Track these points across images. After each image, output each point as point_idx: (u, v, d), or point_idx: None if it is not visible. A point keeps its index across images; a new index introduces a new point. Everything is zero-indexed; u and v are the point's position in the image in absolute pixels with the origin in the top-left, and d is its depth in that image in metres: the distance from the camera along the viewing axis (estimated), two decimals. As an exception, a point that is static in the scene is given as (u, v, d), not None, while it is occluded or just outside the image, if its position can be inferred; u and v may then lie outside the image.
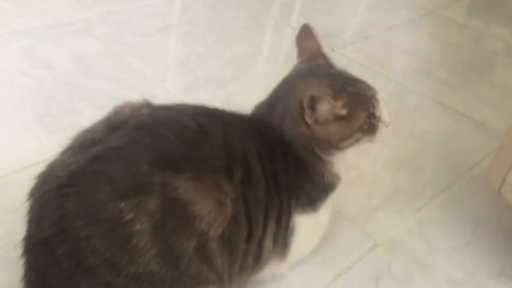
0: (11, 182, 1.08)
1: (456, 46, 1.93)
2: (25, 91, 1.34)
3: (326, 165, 0.89)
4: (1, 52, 1.49)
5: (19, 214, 0.98)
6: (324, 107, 0.81)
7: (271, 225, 0.84)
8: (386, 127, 0.89)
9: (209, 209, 0.72)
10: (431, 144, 1.38)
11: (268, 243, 0.84)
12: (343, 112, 0.83)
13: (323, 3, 2.10)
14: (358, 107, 0.84)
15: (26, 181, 1.07)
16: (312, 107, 0.81)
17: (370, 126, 0.86)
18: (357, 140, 0.86)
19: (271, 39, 1.82)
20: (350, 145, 0.87)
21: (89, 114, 0.87)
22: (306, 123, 0.83)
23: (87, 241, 0.68)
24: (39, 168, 1.10)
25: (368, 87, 0.87)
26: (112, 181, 0.69)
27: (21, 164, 1.12)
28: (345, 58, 1.69)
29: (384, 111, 0.89)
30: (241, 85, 1.50)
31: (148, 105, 0.82)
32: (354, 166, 1.25)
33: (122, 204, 0.68)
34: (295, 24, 1.89)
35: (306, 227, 0.90)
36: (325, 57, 0.92)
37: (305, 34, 0.94)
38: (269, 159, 0.83)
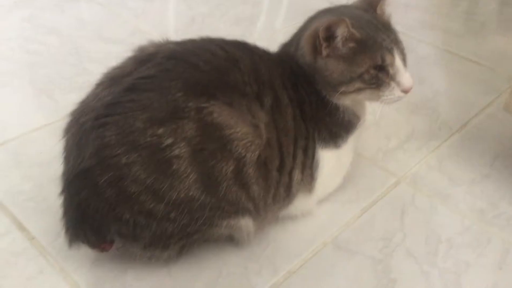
0: (33, 139, 1.08)
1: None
2: (35, 56, 1.33)
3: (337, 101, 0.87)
4: (6, 21, 1.48)
5: (45, 168, 1.00)
6: (342, 31, 0.79)
7: (299, 155, 0.84)
8: (404, 92, 0.84)
9: (245, 132, 0.73)
10: (442, 88, 1.39)
11: (297, 174, 0.85)
12: (352, 44, 0.80)
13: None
14: (364, 51, 0.81)
15: (47, 138, 1.08)
16: (330, 37, 0.80)
17: (374, 78, 0.82)
18: (358, 91, 0.83)
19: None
20: (350, 92, 0.83)
21: (101, 75, 0.88)
22: (313, 53, 0.83)
23: (128, 168, 0.68)
24: (58, 126, 1.11)
25: (390, 40, 0.82)
26: (148, 108, 0.70)
27: (41, 122, 1.12)
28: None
29: (404, 74, 0.83)
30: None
31: (171, 41, 0.82)
32: (370, 111, 1.25)
33: (160, 130, 0.69)
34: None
35: (330, 161, 0.90)
36: (375, 8, 0.87)
37: None
38: (293, 88, 0.83)
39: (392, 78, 0.83)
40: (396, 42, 0.84)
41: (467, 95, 1.36)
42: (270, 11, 1.72)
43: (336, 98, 0.85)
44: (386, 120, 1.25)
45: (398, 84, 0.83)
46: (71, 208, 0.74)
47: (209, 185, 0.72)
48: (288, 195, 0.86)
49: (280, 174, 0.81)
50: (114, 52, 1.36)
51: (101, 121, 0.70)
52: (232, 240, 0.88)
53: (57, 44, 1.39)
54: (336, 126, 0.90)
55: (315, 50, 0.83)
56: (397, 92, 0.84)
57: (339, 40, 0.81)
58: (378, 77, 0.82)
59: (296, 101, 0.83)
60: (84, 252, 0.84)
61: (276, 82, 0.80)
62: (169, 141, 0.69)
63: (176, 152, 0.69)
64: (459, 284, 0.87)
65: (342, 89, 0.83)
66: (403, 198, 1.03)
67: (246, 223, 0.80)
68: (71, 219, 0.75)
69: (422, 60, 1.50)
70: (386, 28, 0.84)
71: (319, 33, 0.80)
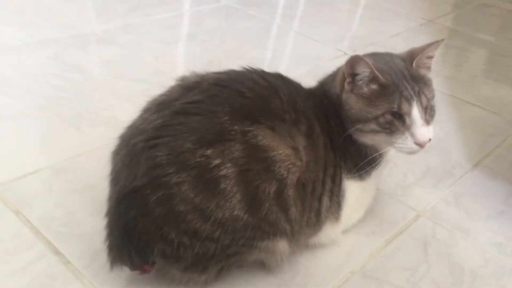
0: (63, 169, 1.10)
1: (456, 48, 2.03)
2: (61, 92, 1.37)
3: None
4: (32, 59, 1.53)
5: (76, 196, 1.02)
6: (363, 70, 0.83)
7: (328, 182, 0.88)
8: (418, 145, 0.85)
9: (287, 154, 0.76)
10: (452, 130, 1.45)
11: (326, 201, 0.88)
12: (374, 86, 0.85)
13: (325, 12, 2.20)
14: (384, 95, 0.85)
15: (78, 167, 1.11)
16: (353, 73, 0.85)
17: (388, 124, 0.85)
18: (373, 132, 0.86)
19: (280, 44, 1.89)
20: (366, 132, 0.86)
21: (126, 110, 0.91)
22: (341, 87, 0.88)
23: (178, 187, 0.71)
24: (87, 157, 1.15)
25: (413, 91, 0.84)
26: (197, 131, 0.73)
27: (70, 153, 1.15)
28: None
29: (420, 127, 0.84)
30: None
31: (213, 71, 0.87)
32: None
33: (209, 151, 0.72)
34: (297, 29, 1.99)
35: (354, 192, 0.94)
36: (412, 60, 0.89)
37: (429, 44, 0.91)
38: (324, 119, 0.87)
39: (407, 128, 0.85)
40: (419, 95, 0.85)
41: (475, 137, 1.42)
42: (280, 53, 1.80)
43: (355, 134, 0.89)
44: (402, 159, 1.30)
45: (412, 135, 0.85)
46: (117, 228, 0.75)
47: (253, 205, 0.74)
48: (318, 220, 0.88)
49: (313, 199, 0.84)
50: (137, 90, 1.42)
51: (152, 142, 0.73)
52: (264, 267, 0.90)
53: (82, 80, 1.43)
54: (360, 159, 0.92)
55: (343, 84, 0.88)
56: (410, 143, 0.85)
57: (361, 78, 0.86)
58: (394, 123, 0.84)
59: (326, 131, 0.87)
60: (120, 275, 0.85)
61: (309, 112, 0.85)
62: (217, 161, 0.72)
63: (224, 172, 0.72)
64: (486, 313, 0.89)
65: (358, 126, 0.87)
66: (424, 231, 1.06)
67: (282, 246, 0.82)
68: (116, 240, 0.76)
69: (431, 104, 1.57)
70: (414, 80, 0.86)
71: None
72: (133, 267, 0.79)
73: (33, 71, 1.45)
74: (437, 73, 1.78)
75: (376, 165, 0.94)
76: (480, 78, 1.80)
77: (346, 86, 0.87)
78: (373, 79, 0.85)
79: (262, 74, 0.85)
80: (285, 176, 0.76)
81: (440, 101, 1.59)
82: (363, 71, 0.84)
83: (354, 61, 0.85)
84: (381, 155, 0.94)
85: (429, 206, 1.14)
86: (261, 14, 2.08)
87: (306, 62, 1.72)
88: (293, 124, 0.80)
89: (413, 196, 1.16)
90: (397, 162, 1.28)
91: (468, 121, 1.50)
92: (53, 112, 1.28)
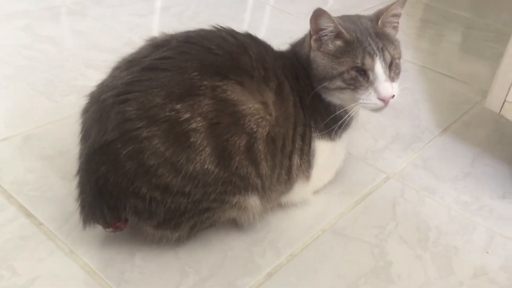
0: (35, 136, 1.10)
1: (428, 22, 2.06)
2: (34, 62, 1.36)
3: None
4: (3, 30, 1.51)
5: (48, 162, 1.03)
6: (327, 25, 0.85)
7: (298, 140, 0.89)
8: (381, 101, 0.86)
9: (257, 108, 0.78)
10: (422, 98, 1.48)
11: (296, 159, 0.90)
12: (339, 43, 0.86)
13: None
14: (348, 52, 0.86)
15: (48, 135, 1.11)
16: (318, 28, 0.86)
17: (353, 80, 0.86)
18: (339, 90, 0.87)
19: (256, 16, 1.90)
20: (331, 89, 0.88)
21: (98, 79, 0.91)
22: (309, 46, 0.89)
23: (149, 141, 0.72)
24: (59, 125, 1.15)
25: (376, 47, 0.85)
26: (167, 86, 0.74)
27: (42, 121, 1.14)
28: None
29: (383, 82, 0.85)
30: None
31: (181, 31, 0.88)
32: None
33: (178, 106, 0.73)
34: (273, 3, 2.00)
35: (325, 152, 0.95)
36: (377, 19, 0.90)
37: (393, 2, 0.91)
38: (294, 79, 0.89)
39: (371, 83, 0.86)
40: (383, 51, 0.86)
41: (444, 104, 1.46)
42: (254, 26, 1.81)
43: (322, 92, 0.90)
44: (372, 124, 1.32)
45: (375, 90, 0.86)
46: (88, 185, 0.76)
47: (223, 159, 0.76)
48: (289, 178, 0.90)
49: (283, 156, 0.86)
50: (110, 60, 1.40)
51: (122, 97, 0.74)
52: (236, 225, 0.91)
53: (53, 51, 1.42)
54: (330, 119, 0.93)
55: (310, 42, 0.90)
56: (373, 99, 0.86)
57: (326, 34, 0.87)
58: (358, 79, 0.86)
59: (296, 90, 0.88)
60: (93, 235, 0.86)
61: (279, 71, 0.86)
62: (187, 115, 0.73)
63: (193, 125, 0.73)
64: (450, 265, 0.93)
65: (325, 84, 0.88)
66: (393, 192, 1.09)
67: (253, 201, 0.84)
68: (87, 197, 0.77)
69: (401, 74, 1.59)
70: (378, 37, 0.88)
71: None
72: (105, 224, 0.80)
73: (5, 43, 1.44)
74: (409, 44, 1.80)
75: (344, 123, 0.94)
76: (453, 51, 1.84)
77: (313, 44, 0.89)
78: (337, 35, 0.86)
79: (231, 32, 0.86)
80: (254, 130, 0.77)
81: (412, 71, 1.63)
82: (327, 26, 0.86)
83: (316, 14, 0.85)
84: (346, 112, 0.93)
85: (398, 168, 1.17)
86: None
87: (280, 34, 1.72)
88: (262, 81, 0.82)
89: (383, 160, 1.19)
90: (368, 127, 1.31)
91: (439, 90, 1.54)
92: (24, 82, 1.27)
